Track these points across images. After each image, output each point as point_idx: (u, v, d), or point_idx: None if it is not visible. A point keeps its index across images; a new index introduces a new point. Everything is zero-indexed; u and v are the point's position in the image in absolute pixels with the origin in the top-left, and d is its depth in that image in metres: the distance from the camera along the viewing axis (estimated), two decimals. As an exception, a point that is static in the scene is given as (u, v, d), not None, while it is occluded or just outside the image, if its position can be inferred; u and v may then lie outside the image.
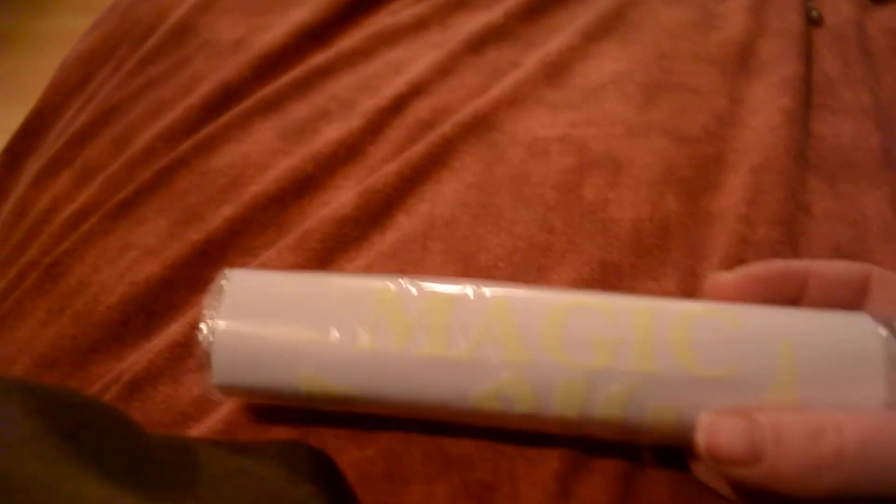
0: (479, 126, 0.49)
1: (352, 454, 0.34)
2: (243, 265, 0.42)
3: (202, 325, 0.32)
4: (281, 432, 0.35)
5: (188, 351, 0.38)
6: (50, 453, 0.21)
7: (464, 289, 0.32)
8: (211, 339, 0.32)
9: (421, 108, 0.51)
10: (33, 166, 0.55)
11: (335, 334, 0.31)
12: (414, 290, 0.32)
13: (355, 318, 0.31)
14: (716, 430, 0.27)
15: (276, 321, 0.32)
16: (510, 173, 0.46)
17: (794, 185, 0.44)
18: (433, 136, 0.48)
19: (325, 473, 0.31)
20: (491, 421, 0.32)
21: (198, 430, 0.36)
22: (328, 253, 0.43)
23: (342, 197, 0.45)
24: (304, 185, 0.46)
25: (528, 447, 0.33)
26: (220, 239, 0.44)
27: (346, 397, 0.31)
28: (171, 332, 0.39)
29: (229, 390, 0.33)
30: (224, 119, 0.51)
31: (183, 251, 0.43)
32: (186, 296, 0.42)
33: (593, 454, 0.33)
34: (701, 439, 0.28)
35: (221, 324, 0.32)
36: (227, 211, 0.45)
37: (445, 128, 0.48)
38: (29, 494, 0.19)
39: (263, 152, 0.49)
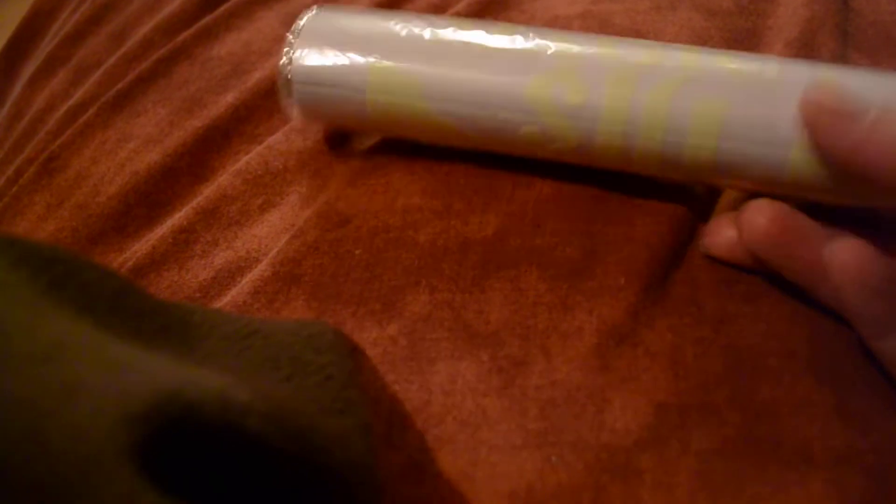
0: (495, 5, 0.46)
1: (372, 333, 0.31)
2: (248, 152, 0.40)
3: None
4: (295, 314, 0.33)
5: (193, 237, 0.36)
6: (31, 300, 0.19)
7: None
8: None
9: (432, -7, 0.48)
10: (29, 70, 0.53)
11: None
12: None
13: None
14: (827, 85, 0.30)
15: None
16: (531, 50, 0.43)
17: (833, 60, 0.41)
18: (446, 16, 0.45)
19: (345, 348, 0.28)
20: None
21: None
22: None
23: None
24: (312, 70, 0.44)
25: (561, 321, 0.31)
26: (224, 126, 0.41)
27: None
28: (175, 219, 0.37)
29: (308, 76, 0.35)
30: (224, 8, 0.49)
31: (185, 139, 0.41)
32: (190, 184, 0.40)
33: (634, 327, 0.31)
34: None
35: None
36: (230, 97, 0.43)
37: (459, 7, 0.45)
38: (7, 337, 0.17)
39: (267, 39, 0.46)
